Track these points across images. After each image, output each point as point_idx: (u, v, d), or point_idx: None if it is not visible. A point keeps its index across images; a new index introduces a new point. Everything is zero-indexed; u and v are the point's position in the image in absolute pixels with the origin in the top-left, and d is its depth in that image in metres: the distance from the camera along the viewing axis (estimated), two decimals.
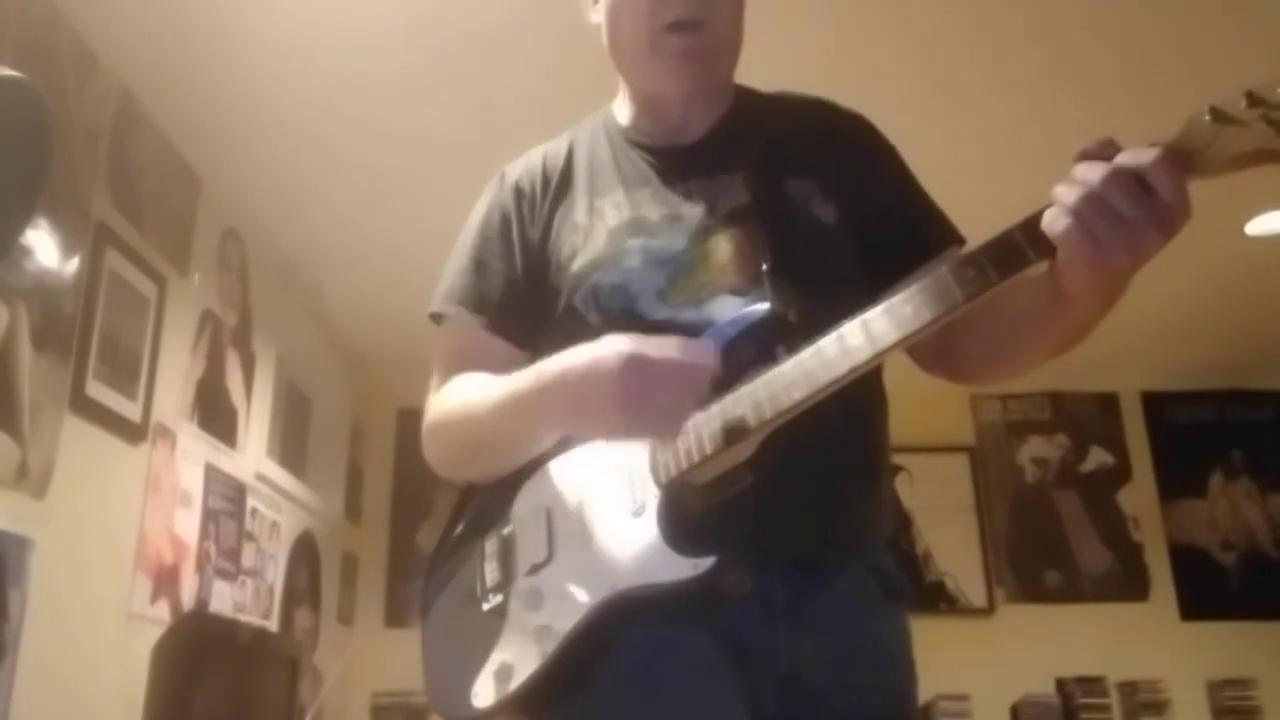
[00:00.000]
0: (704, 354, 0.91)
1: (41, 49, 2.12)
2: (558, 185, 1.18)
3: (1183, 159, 0.77)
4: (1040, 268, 0.83)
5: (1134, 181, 0.77)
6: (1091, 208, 0.78)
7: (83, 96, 2.28)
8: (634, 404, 0.89)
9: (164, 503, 2.58)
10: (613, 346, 0.92)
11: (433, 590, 1.14)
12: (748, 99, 1.22)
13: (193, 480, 2.76)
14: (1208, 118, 0.77)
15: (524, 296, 1.15)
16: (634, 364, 0.90)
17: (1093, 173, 0.78)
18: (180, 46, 2.36)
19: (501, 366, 1.12)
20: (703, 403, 0.93)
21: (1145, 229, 0.77)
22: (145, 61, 2.40)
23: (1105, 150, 0.80)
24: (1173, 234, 0.78)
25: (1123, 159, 0.78)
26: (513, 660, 0.98)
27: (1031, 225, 0.82)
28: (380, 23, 2.32)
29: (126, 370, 2.42)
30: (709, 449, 0.93)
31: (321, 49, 2.41)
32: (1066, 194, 0.79)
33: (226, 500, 2.97)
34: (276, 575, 3.38)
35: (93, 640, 2.25)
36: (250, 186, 2.96)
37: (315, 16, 2.30)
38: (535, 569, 1.01)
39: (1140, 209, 0.77)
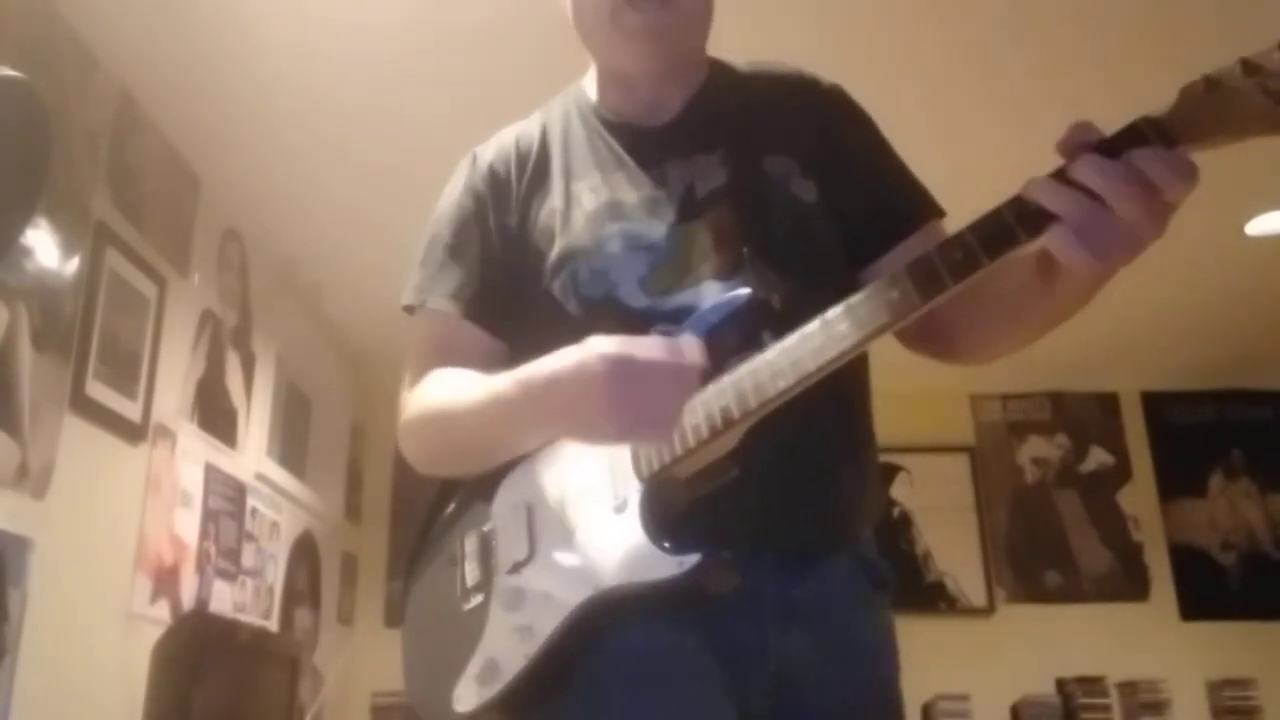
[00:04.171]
0: (691, 352, 0.89)
1: (41, 49, 2.12)
2: (533, 168, 1.14)
3: (1182, 131, 0.75)
4: (1029, 247, 0.81)
5: (1138, 182, 0.74)
6: (1092, 214, 0.75)
7: (83, 96, 2.28)
8: (624, 408, 0.86)
9: (164, 503, 2.58)
10: (597, 349, 0.88)
11: (412, 590, 1.11)
12: (722, 73, 1.19)
13: (193, 480, 2.76)
14: (1203, 87, 0.74)
15: (499, 284, 1.11)
16: (622, 366, 0.86)
17: (1091, 176, 0.75)
18: (180, 46, 2.36)
19: (478, 356, 1.10)
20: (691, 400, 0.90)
21: (1145, 226, 0.75)
22: (145, 61, 2.40)
23: (1083, 136, 0.77)
24: (1166, 226, 0.76)
25: (1143, 167, 0.74)
26: (495, 662, 0.96)
27: (1021, 204, 0.80)
28: (381, 21, 2.32)
29: (126, 370, 2.42)
30: (692, 441, 0.91)
31: (322, 48, 2.41)
32: (1064, 199, 0.76)
33: (226, 500, 2.97)
34: (276, 575, 3.38)
35: (93, 640, 2.25)
36: (250, 186, 2.96)
37: (315, 16, 2.30)
38: (516, 567, 0.99)
39: (1140, 208, 0.74)
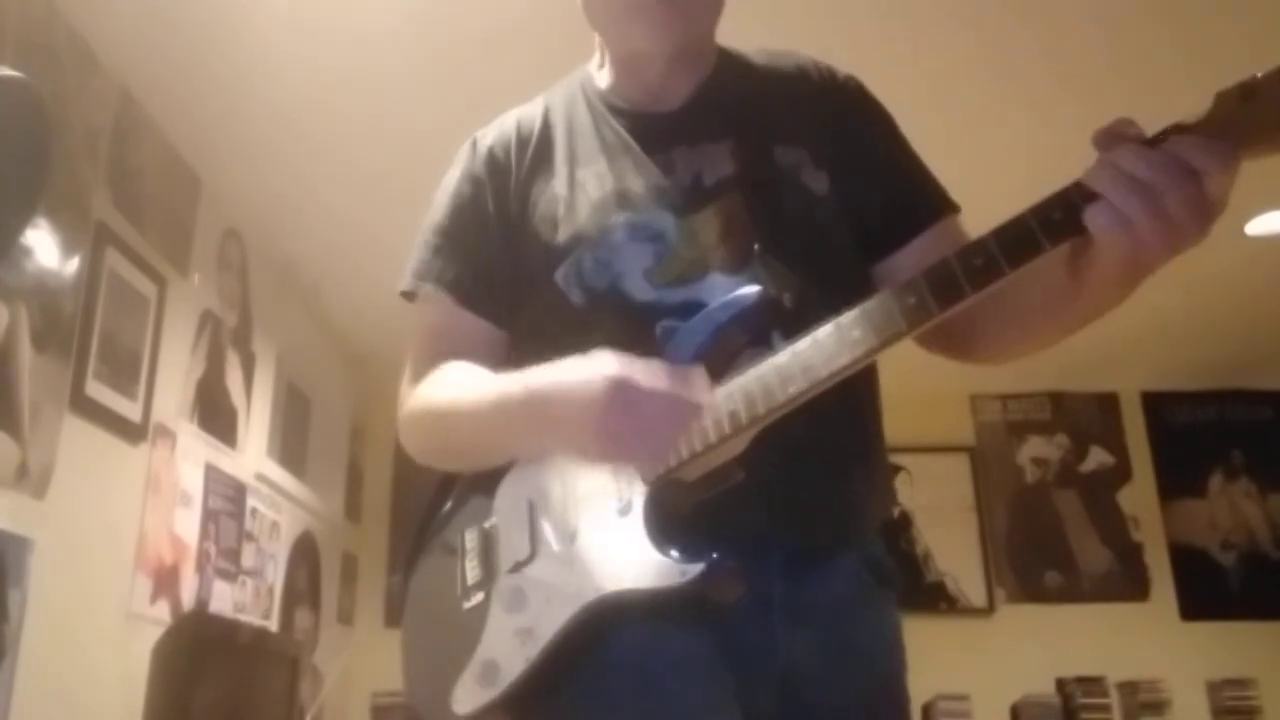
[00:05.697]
0: (696, 386, 0.86)
1: (41, 49, 2.12)
2: (535, 153, 1.12)
3: (1233, 147, 0.72)
4: (1053, 255, 0.79)
5: (1192, 179, 0.72)
6: (1145, 208, 0.73)
7: (83, 96, 2.28)
8: (614, 433, 0.85)
9: (164, 503, 2.57)
10: (601, 369, 0.86)
11: (411, 585, 1.09)
12: (732, 61, 1.17)
13: (193, 480, 2.76)
14: (1238, 95, 0.72)
15: (499, 272, 1.09)
16: (621, 391, 0.84)
17: (1147, 168, 0.73)
18: (180, 46, 2.36)
19: (478, 345, 1.09)
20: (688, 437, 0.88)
21: (1190, 226, 0.73)
22: (145, 61, 2.40)
23: (1125, 130, 0.75)
24: (1211, 226, 0.74)
25: (1182, 153, 0.73)
26: (495, 663, 0.94)
27: (1046, 211, 0.78)
28: (381, 22, 2.32)
29: (126, 370, 2.42)
30: (699, 445, 0.89)
31: (322, 49, 2.41)
32: (1110, 185, 0.74)
33: (226, 500, 2.97)
34: (276, 575, 3.38)
35: (93, 640, 2.25)
36: (250, 186, 2.96)
37: (316, 16, 2.30)
38: (518, 567, 0.97)
39: (1191, 208, 0.72)
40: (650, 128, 1.10)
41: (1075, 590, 4.46)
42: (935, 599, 4.44)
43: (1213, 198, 0.73)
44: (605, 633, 0.90)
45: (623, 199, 1.05)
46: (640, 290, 1.01)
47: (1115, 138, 0.76)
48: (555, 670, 0.92)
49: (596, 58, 1.19)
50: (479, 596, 0.99)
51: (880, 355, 0.88)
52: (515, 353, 1.10)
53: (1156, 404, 4.73)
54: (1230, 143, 0.72)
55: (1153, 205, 0.73)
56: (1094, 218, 0.75)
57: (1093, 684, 4.13)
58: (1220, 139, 0.72)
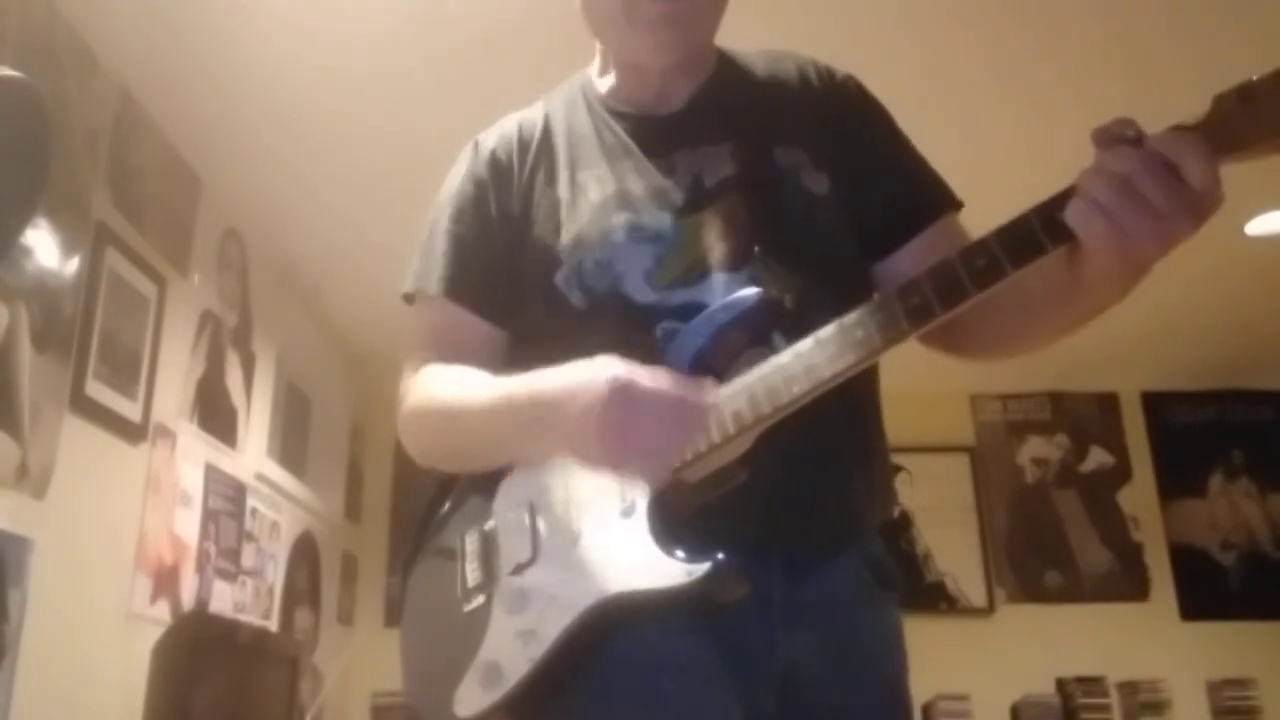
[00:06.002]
0: (701, 392, 0.86)
1: (41, 49, 2.12)
2: (535, 155, 1.12)
3: (1216, 142, 0.73)
4: (1055, 255, 0.79)
5: (1168, 171, 0.73)
6: (1122, 200, 0.74)
7: (83, 96, 2.28)
8: (614, 435, 0.84)
9: (164, 503, 2.57)
10: (605, 370, 0.86)
11: (411, 588, 1.09)
12: (731, 62, 1.17)
13: (193, 480, 2.76)
14: (1237, 97, 0.72)
15: (501, 272, 1.09)
16: (623, 391, 0.84)
17: (1123, 163, 0.74)
18: (180, 47, 2.36)
19: (479, 345, 1.09)
20: (694, 445, 0.87)
21: (1177, 219, 0.74)
22: (145, 61, 2.40)
23: (1124, 130, 0.76)
24: (1204, 221, 0.74)
25: (1157, 146, 0.74)
26: (497, 665, 0.94)
27: (1048, 211, 0.78)
28: (381, 22, 2.32)
29: (126, 370, 2.42)
30: (703, 445, 0.89)
31: (322, 49, 2.41)
32: (1095, 185, 0.75)
33: (226, 500, 2.97)
34: (276, 575, 3.38)
35: (93, 640, 2.25)
36: (250, 186, 2.96)
37: (316, 17, 2.30)
38: (519, 569, 0.97)
39: (1173, 199, 0.73)
40: (651, 130, 1.11)
41: (1075, 590, 4.46)
42: (935, 599, 4.44)
43: (1198, 189, 0.73)
44: (609, 634, 0.90)
45: (623, 201, 1.05)
46: (640, 292, 1.01)
47: (1113, 138, 0.77)
48: (559, 672, 0.91)
49: (597, 61, 1.20)
50: (480, 599, 0.99)
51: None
52: (515, 354, 1.10)
53: (1156, 404, 4.73)
54: (1206, 136, 0.73)
55: (1131, 198, 0.74)
56: (1071, 213, 0.77)
57: (1093, 684, 4.14)
58: (1196, 133, 0.73)
